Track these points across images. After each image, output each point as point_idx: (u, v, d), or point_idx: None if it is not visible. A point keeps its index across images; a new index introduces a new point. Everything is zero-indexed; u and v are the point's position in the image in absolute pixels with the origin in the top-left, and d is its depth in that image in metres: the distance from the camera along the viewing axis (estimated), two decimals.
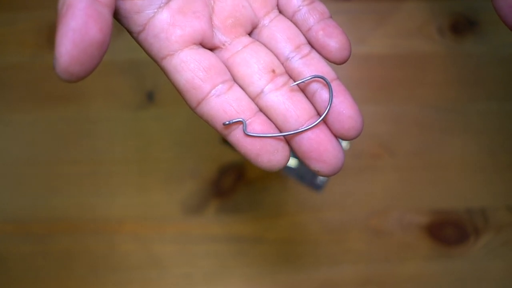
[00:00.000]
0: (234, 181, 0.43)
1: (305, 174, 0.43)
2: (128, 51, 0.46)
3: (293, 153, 0.21)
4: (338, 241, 0.42)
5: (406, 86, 0.46)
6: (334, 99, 0.20)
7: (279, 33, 0.22)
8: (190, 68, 0.20)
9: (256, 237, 0.42)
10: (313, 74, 0.21)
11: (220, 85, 0.20)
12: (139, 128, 0.44)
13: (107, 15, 0.17)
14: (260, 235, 0.42)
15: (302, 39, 0.22)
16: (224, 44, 0.21)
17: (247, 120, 0.20)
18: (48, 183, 0.43)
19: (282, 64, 0.22)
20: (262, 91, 0.21)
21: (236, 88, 0.21)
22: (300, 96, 0.21)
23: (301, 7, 0.22)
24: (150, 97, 0.45)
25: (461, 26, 0.47)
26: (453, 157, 0.44)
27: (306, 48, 0.22)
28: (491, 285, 0.41)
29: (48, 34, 0.47)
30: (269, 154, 0.20)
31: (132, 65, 0.46)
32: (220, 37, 0.21)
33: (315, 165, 0.20)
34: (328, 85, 0.20)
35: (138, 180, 0.43)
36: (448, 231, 0.42)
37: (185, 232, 0.42)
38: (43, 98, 0.45)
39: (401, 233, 0.42)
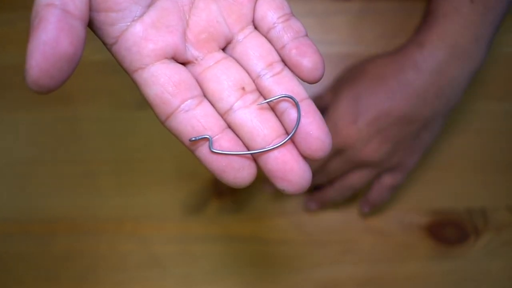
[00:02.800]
0: None
1: None
2: None
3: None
4: (338, 241, 0.42)
5: None
6: (302, 120, 0.20)
7: (252, 50, 0.21)
8: (159, 82, 0.20)
9: (256, 237, 0.42)
10: (284, 92, 0.21)
11: (189, 101, 0.20)
12: (139, 127, 0.44)
13: (79, 28, 0.17)
14: (260, 235, 0.42)
15: (275, 56, 0.21)
16: (196, 59, 0.21)
17: (214, 136, 0.20)
18: (48, 183, 0.43)
19: (254, 81, 0.21)
20: (231, 108, 0.21)
21: (205, 104, 0.21)
22: (268, 115, 0.21)
23: (276, 24, 0.21)
24: None
25: None
26: (453, 157, 0.44)
27: (279, 66, 0.21)
28: (491, 285, 0.41)
29: None
30: (234, 171, 0.20)
31: None
32: (192, 52, 0.21)
33: (281, 184, 0.20)
34: (296, 105, 0.20)
35: (138, 180, 0.43)
36: (448, 231, 0.42)
37: (185, 232, 0.42)
38: (42, 98, 0.45)
39: (401, 233, 0.42)
